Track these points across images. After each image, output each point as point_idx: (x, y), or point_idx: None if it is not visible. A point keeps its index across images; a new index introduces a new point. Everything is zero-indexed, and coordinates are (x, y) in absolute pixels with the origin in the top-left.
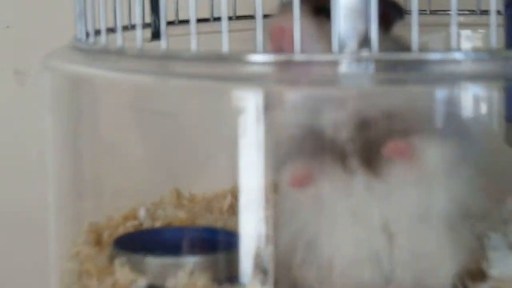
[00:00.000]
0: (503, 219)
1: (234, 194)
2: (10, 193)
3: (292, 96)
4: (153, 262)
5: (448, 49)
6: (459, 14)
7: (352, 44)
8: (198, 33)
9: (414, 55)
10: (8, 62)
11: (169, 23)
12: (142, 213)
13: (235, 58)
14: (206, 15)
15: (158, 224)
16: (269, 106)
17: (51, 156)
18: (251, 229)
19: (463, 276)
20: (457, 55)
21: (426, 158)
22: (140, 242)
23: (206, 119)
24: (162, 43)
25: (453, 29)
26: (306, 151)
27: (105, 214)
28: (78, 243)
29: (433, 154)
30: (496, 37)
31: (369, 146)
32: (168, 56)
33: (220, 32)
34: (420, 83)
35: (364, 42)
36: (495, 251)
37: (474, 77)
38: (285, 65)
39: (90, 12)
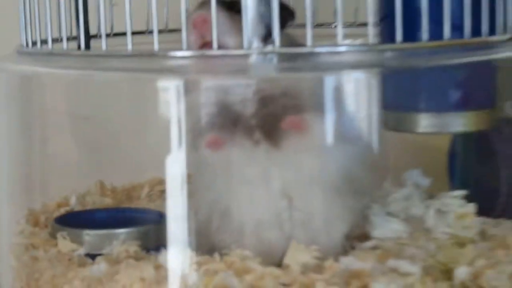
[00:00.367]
0: (383, 193)
1: (152, 184)
2: None
3: (208, 81)
4: (90, 234)
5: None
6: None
7: (258, 40)
8: (134, 43)
9: (307, 48)
10: None
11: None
12: (73, 200)
13: (160, 54)
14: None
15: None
16: (188, 91)
17: (3, 149)
18: (174, 206)
19: (351, 237)
20: (341, 48)
21: (316, 131)
22: (75, 221)
23: (134, 112)
24: (102, 45)
25: (339, 27)
26: (219, 125)
27: (41, 202)
28: (21, 224)
29: (322, 127)
30: (373, 36)
31: (270, 121)
32: (103, 55)
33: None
34: (311, 70)
35: (268, 38)
36: (376, 216)
37: (354, 66)
38: (204, 58)
39: (33, 24)
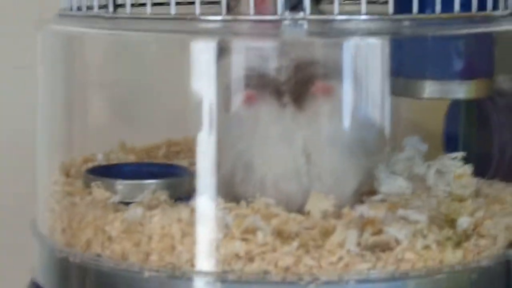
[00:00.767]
0: (391, 152)
1: (168, 145)
2: None
3: (240, 43)
4: (123, 184)
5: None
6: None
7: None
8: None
9: (330, 16)
10: None
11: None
12: (99, 156)
13: (194, 17)
14: None
15: None
16: (221, 53)
17: (44, 104)
18: (202, 160)
19: (360, 193)
20: (361, 17)
21: (339, 97)
22: (106, 173)
23: (167, 74)
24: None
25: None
26: (252, 85)
27: (70, 156)
28: (55, 174)
29: (344, 95)
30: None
31: (299, 85)
32: (140, 17)
33: None
34: (332, 36)
35: (298, 7)
36: (382, 175)
37: (370, 32)
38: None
39: None
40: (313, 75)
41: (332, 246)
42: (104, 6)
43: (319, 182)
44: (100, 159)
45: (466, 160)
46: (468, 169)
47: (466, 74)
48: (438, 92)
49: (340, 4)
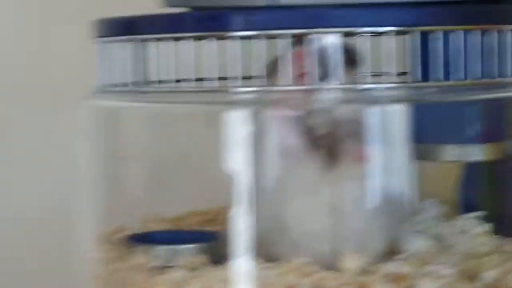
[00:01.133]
0: (412, 213)
1: (200, 213)
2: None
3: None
4: (162, 249)
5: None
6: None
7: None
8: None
9: (359, 85)
10: None
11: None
12: (136, 225)
13: (228, 89)
14: None
15: None
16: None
17: (81, 176)
18: (239, 222)
19: (387, 251)
20: (385, 85)
21: (373, 164)
22: (144, 240)
23: (205, 141)
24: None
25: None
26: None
27: (108, 225)
28: (96, 241)
29: (378, 160)
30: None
31: (329, 148)
32: (175, 91)
33: None
34: (359, 102)
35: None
36: (406, 234)
37: (394, 100)
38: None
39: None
40: (342, 139)
41: None
42: (138, 83)
43: (348, 242)
44: (137, 228)
45: (484, 220)
46: (487, 227)
47: (483, 138)
48: (458, 156)
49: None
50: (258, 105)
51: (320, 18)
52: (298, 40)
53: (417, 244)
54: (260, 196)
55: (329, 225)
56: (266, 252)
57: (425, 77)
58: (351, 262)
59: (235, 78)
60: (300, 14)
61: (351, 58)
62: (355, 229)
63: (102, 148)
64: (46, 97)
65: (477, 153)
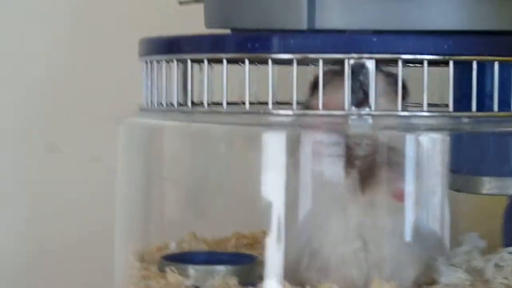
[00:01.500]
0: (451, 245)
1: (238, 237)
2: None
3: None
4: (195, 268)
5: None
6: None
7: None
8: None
9: (394, 111)
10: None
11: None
12: (173, 245)
13: (267, 112)
14: None
15: None
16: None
17: (120, 193)
18: (272, 247)
19: (419, 283)
20: (425, 113)
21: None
22: (179, 260)
23: (243, 163)
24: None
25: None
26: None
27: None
28: (131, 260)
29: (411, 197)
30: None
31: (370, 168)
32: (214, 112)
33: None
34: (393, 129)
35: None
36: (442, 266)
37: (431, 128)
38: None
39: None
40: (380, 164)
41: None
42: (182, 104)
43: (377, 269)
44: (173, 248)
45: None
46: None
47: None
48: (496, 189)
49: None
50: (296, 128)
51: (358, 43)
52: (338, 64)
53: (451, 276)
54: (295, 219)
55: (359, 251)
56: (297, 277)
57: (466, 107)
58: None
59: (274, 101)
60: (340, 38)
61: (401, 87)
62: (386, 257)
63: (142, 166)
64: (94, 115)
65: None
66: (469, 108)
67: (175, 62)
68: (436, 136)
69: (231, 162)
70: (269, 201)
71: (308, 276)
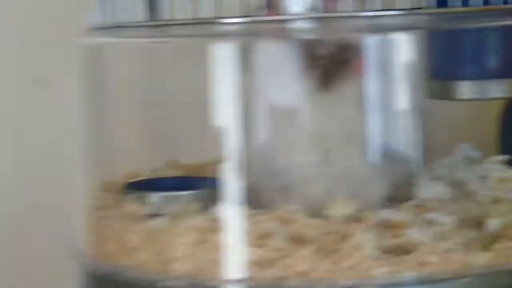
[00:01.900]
0: (430, 159)
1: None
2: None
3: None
4: (154, 196)
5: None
6: None
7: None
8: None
9: (349, 13)
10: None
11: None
12: (146, 172)
13: (216, 21)
14: None
15: None
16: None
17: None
18: (229, 167)
19: (395, 199)
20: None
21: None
22: (145, 187)
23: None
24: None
25: None
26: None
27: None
28: (95, 190)
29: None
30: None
31: (330, 67)
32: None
33: None
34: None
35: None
36: (421, 180)
37: (395, 28)
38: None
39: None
40: (341, 63)
41: (350, 250)
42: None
43: (341, 185)
44: (147, 175)
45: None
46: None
47: (503, 73)
48: (476, 93)
49: None
50: (249, 36)
51: None
52: None
53: (430, 190)
54: (253, 137)
55: (320, 164)
56: (258, 199)
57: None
58: (339, 209)
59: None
60: None
61: None
62: (350, 169)
63: (91, 88)
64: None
65: (497, 89)
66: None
67: None
68: (405, 36)
69: (181, 79)
70: (225, 121)
71: (270, 198)
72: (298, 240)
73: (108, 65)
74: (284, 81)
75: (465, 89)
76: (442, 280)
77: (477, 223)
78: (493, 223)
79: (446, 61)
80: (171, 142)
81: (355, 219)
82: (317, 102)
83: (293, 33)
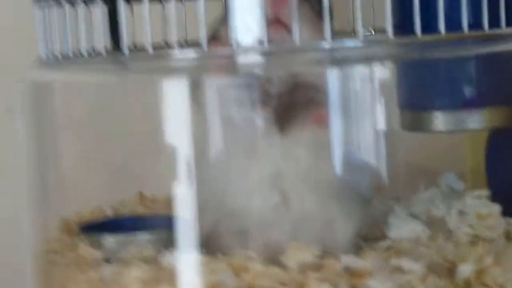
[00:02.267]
0: (408, 194)
1: None
2: None
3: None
4: (107, 239)
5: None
6: None
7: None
8: None
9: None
10: None
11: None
12: (108, 209)
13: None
14: None
15: None
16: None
17: (26, 160)
18: (185, 213)
19: (365, 239)
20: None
21: (331, 128)
22: (102, 228)
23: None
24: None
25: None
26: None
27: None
28: (52, 231)
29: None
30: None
31: (287, 108)
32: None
33: None
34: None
35: None
36: (395, 218)
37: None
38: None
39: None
40: (299, 102)
41: None
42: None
43: (303, 229)
44: (109, 213)
45: (497, 198)
46: (495, 208)
47: (479, 102)
48: (451, 125)
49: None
50: (199, 72)
51: None
52: None
53: (404, 229)
54: (205, 173)
55: (279, 206)
56: (214, 243)
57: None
58: (296, 256)
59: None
60: None
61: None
62: (311, 212)
63: (36, 125)
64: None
65: (475, 120)
66: (411, 32)
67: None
68: (365, 69)
69: (132, 115)
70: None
71: (229, 242)
72: None
73: (54, 100)
74: (235, 120)
75: (440, 120)
76: None
77: (450, 268)
78: (465, 270)
79: (419, 91)
80: (128, 176)
81: (315, 266)
82: (272, 142)
83: (239, 68)
